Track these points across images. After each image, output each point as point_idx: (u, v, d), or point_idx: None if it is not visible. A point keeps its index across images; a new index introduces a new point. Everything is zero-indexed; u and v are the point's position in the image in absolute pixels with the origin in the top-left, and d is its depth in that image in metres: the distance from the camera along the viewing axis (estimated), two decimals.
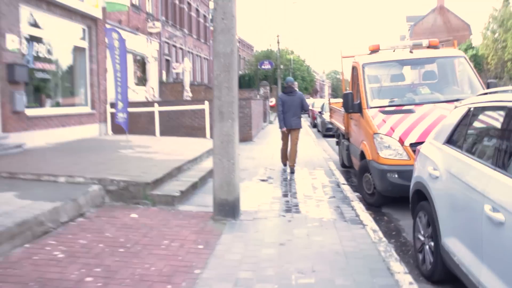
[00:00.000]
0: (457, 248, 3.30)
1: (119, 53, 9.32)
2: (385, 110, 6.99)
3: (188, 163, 8.92)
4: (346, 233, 5.30)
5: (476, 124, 3.66)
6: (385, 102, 7.26)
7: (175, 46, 35.13)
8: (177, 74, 34.62)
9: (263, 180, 8.81)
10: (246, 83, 50.43)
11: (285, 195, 7.46)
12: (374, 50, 8.34)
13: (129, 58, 25.18)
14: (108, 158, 8.67)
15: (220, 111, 5.76)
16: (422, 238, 4.27)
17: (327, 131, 19.03)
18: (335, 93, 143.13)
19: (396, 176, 6.24)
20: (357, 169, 8.42)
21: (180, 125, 17.11)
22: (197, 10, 41.58)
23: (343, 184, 8.33)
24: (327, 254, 4.58)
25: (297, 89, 10.58)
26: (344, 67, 9.72)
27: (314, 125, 24.97)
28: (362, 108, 7.26)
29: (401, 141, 6.29)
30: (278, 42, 44.25)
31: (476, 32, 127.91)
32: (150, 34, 28.44)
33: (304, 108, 9.90)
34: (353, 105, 7.39)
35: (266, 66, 33.24)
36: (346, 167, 10.37)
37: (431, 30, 72.43)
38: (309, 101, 40.01)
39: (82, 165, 7.76)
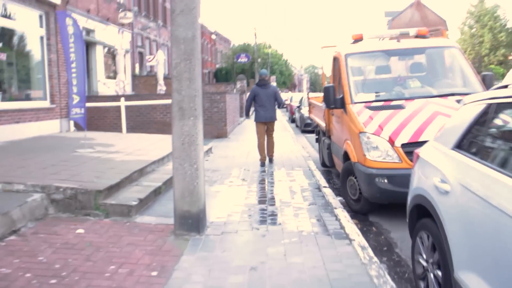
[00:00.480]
0: None
1: (75, 40, 8.31)
2: (372, 105, 6.18)
3: (152, 164, 7.99)
4: (330, 251, 4.47)
5: (502, 125, 2.85)
6: (371, 96, 6.45)
7: (148, 38, 33.92)
8: (151, 67, 33.44)
9: (236, 183, 7.94)
10: (223, 77, 49.42)
11: (261, 202, 6.60)
12: (358, 40, 7.52)
13: (99, 50, 24.00)
14: (61, 159, 7.67)
15: (180, 107, 4.87)
16: (424, 263, 3.47)
17: (305, 127, 18.27)
18: (313, 87, 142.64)
19: (386, 181, 5.45)
20: (340, 171, 7.64)
21: (151, 121, 16.14)
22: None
23: (324, 187, 7.51)
24: (308, 283, 3.74)
25: (271, 82, 10.48)
26: (324, 59, 8.93)
27: (293, 120, 24.21)
28: (346, 103, 6.45)
29: (391, 141, 5.50)
30: (255, 35, 43.34)
31: (452, 27, 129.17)
32: (122, 25, 27.20)
33: (278, 102, 9.80)
34: (335, 100, 6.57)
35: (243, 59, 32.28)
36: (327, 166, 9.58)
37: (408, 25, 72.37)
38: (287, 95, 39.31)
39: (27, 169, 6.76)
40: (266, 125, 9.90)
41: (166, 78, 33.14)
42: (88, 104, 15.24)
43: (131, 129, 16.14)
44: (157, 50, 35.99)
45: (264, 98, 9.59)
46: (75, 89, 8.42)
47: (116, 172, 6.78)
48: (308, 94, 11.95)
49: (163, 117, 16.04)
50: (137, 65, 31.01)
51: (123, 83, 19.70)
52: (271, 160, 10.05)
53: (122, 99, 12.74)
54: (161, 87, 25.97)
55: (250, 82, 43.71)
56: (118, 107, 15.79)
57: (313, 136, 16.68)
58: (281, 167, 9.57)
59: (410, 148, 5.30)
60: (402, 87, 6.71)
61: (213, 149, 12.36)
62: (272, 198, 6.78)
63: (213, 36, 57.86)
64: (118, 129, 16.16)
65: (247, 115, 11.23)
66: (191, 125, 4.90)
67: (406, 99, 6.28)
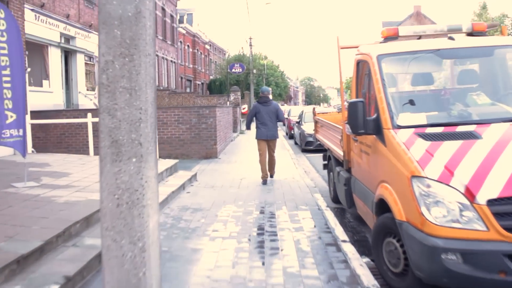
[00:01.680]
0: None
1: (8, 39, 6.19)
2: (427, 132, 4.08)
3: None
4: None
5: None
6: (422, 118, 4.35)
7: None
8: None
9: (223, 234, 5.80)
10: (217, 88, 47.47)
11: (257, 272, 4.47)
12: (390, 37, 5.46)
13: (80, 59, 21.92)
14: None
15: (114, 140, 2.75)
16: None
17: (307, 145, 16.18)
18: (308, 99, 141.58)
19: (460, 260, 3.34)
20: (364, 218, 5.52)
21: None
22: (163, 9, 38.40)
23: (344, 241, 5.40)
24: None
25: (271, 98, 10.15)
26: (344, 64, 6.85)
27: (291, 136, 22.14)
28: (383, 128, 4.37)
29: (470, 195, 3.39)
30: (250, 45, 41.37)
31: None
32: None
33: (279, 119, 9.73)
34: (366, 123, 4.48)
35: (237, 69, 30.29)
36: (339, 202, 7.50)
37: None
38: (285, 108, 37.30)
39: None
40: (267, 142, 9.74)
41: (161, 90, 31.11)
42: (50, 121, 13.24)
43: None
44: None
45: (265, 116, 9.51)
46: (8, 104, 6.27)
47: (46, 225, 4.65)
48: (314, 109, 9.86)
49: None
50: None
51: None
52: (271, 176, 10.07)
53: (89, 114, 10.59)
54: None
55: (245, 94, 41.69)
56: (95, 124, 13.71)
57: (316, 157, 14.63)
58: (282, 204, 7.44)
59: (503, 207, 3.24)
60: (464, 104, 4.61)
61: (198, 175, 10.23)
62: (271, 269, 4.63)
63: (207, 47, 56.01)
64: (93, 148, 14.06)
65: (248, 128, 10.96)
66: (134, 172, 2.76)
67: (478, 123, 4.19)
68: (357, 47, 5.88)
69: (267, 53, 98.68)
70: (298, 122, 17.94)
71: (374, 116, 4.56)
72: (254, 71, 42.87)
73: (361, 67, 5.53)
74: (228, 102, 27.12)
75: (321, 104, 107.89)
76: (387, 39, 5.49)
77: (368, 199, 4.96)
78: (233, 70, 30.51)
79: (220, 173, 10.88)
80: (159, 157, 13.94)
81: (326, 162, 8.93)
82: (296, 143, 19.40)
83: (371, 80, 4.86)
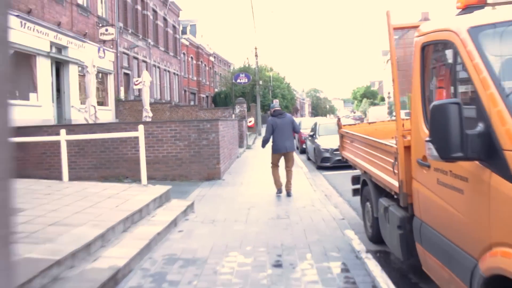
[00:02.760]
0: None
1: None
2: None
3: (55, 267, 3.96)
4: None
5: None
6: None
7: (136, 58, 30.22)
8: (139, 90, 29.68)
9: None
10: (222, 101, 45.70)
11: None
12: (473, 6, 3.55)
13: (73, 70, 20.19)
14: None
15: None
16: None
17: (323, 162, 14.21)
18: (315, 111, 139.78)
19: None
20: (431, 274, 3.57)
21: (120, 158, 12.16)
22: (164, 19, 36.81)
23: None
24: None
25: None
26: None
27: (303, 151, 20.20)
28: (504, 149, 2.46)
29: None
30: (256, 55, 39.63)
31: None
32: (103, 42, 23.53)
33: (295, 130, 9.83)
34: (466, 139, 2.56)
35: (243, 79, 28.46)
36: (380, 242, 5.56)
37: None
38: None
39: None
40: (283, 156, 9.60)
41: (153, 103, 29.35)
42: (24, 139, 11.29)
43: (94, 169, 12.18)
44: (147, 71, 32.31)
45: (282, 127, 9.41)
46: None
47: None
48: (338, 121, 7.91)
49: (136, 153, 12.06)
50: (122, 89, 27.23)
51: (94, 109, 15.77)
52: (289, 194, 9.45)
53: (62, 131, 8.71)
54: (147, 114, 22.12)
55: (251, 107, 39.87)
56: (79, 140, 11.89)
57: (335, 175, 12.67)
58: (306, 248, 5.49)
59: None
60: None
61: (196, 204, 8.31)
62: None
63: (212, 58, 54.47)
64: (77, 169, 12.21)
65: (263, 146, 10.33)
66: None
67: None
68: (416, 26, 3.98)
69: (273, 65, 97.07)
70: (311, 136, 16.01)
71: (481, 128, 2.63)
72: (261, 82, 41.11)
73: (431, 53, 3.62)
74: (233, 115, 25.27)
75: (328, 115, 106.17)
76: (468, 9, 3.56)
77: (457, 264, 3.01)
78: (239, 80, 28.70)
79: (223, 200, 8.95)
80: (152, 179, 12.05)
81: (357, 186, 7.00)
82: (309, 159, 17.44)
83: (468, 68, 2.92)
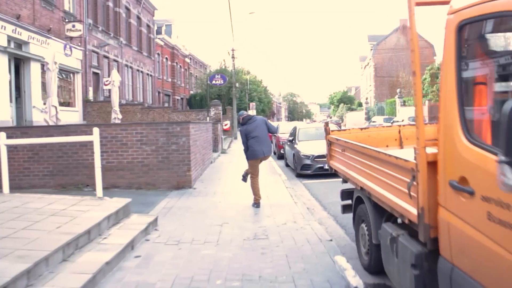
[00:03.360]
0: None
1: None
2: None
3: None
4: None
5: None
6: None
7: (107, 57, 28.80)
8: (109, 91, 28.27)
9: None
10: (198, 103, 44.41)
11: None
12: None
13: (35, 68, 18.75)
14: None
15: None
16: None
17: (303, 169, 13.19)
18: (291, 115, 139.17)
19: None
20: None
21: (79, 164, 10.90)
22: (138, 17, 35.42)
23: None
24: None
25: (255, 114, 9.31)
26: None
27: (280, 156, 19.18)
28: None
29: None
30: (233, 57, 38.57)
31: (439, 51, 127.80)
32: (70, 38, 22.12)
33: (271, 131, 9.08)
34: None
35: (218, 81, 27.25)
36: (380, 272, 4.55)
37: (394, 50, 69.37)
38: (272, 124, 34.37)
39: None
40: (261, 160, 8.89)
41: (124, 104, 27.96)
42: None
43: (50, 176, 10.90)
44: (119, 72, 30.91)
45: (256, 132, 8.63)
46: None
47: None
48: (327, 125, 6.80)
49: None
50: (90, 89, 25.79)
51: (56, 110, 14.41)
52: (257, 205, 8.61)
53: (2, 134, 7.41)
54: (116, 115, 20.85)
55: (227, 110, 38.76)
56: (34, 145, 10.62)
57: (316, 184, 11.66)
58: (290, 282, 4.44)
59: None
60: None
61: (161, 220, 7.19)
62: None
63: (187, 60, 53.17)
64: (31, 177, 10.94)
65: (253, 155, 8.92)
66: None
67: None
68: (447, 2, 2.97)
69: (250, 68, 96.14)
70: (290, 141, 14.98)
71: None
72: (237, 84, 40.03)
73: (474, 33, 2.62)
74: (208, 118, 24.13)
75: (304, 120, 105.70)
76: None
77: None
78: (214, 82, 27.45)
79: (193, 214, 7.84)
80: (116, 187, 10.86)
81: (348, 202, 6.01)
82: (287, 165, 16.43)
83: None
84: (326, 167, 13.16)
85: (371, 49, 72.00)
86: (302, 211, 8.09)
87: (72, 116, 22.88)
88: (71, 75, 23.89)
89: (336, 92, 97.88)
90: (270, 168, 15.20)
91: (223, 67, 45.10)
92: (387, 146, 6.53)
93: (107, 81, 26.52)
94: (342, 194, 6.23)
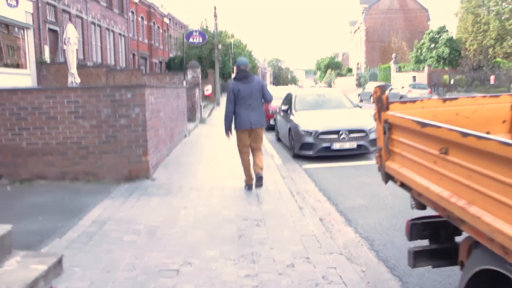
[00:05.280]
0: None
1: None
2: None
3: None
4: None
5: None
6: None
7: (67, 12, 24.94)
8: (65, 50, 24.54)
9: None
10: (177, 66, 40.55)
11: None
12: None
13: None
14: None
15: None
16: None
17: (303, 149, 9.99)
18: (276, 81, 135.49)
19: None
20: None
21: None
22: None
23: None
24: None
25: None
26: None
27: (270, 127, 15.99)
28: None
29: None
30: (215, 16, 34.79)
31: (436, 16, 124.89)
32: None
33: (266, 99, 7.03)
34: None
35: (196, 38, 23.46)
36: None
37: (387, 14, 65.65)
38: None
39: None
40: (250, 133, 6.87)
41: (86, 66, 24.26)
42: None
43: None
44: (83, 30, 27.11)
45: (248, 96, 6.78)
46: None
47: None
48: (381, 91, 3.54)
49: (15, 138, 7.61)
50: (46, 48, 22.06)
51: None
52: (259, 180, 6.68)
53: None
54: (73, 79, 17.35)
55: (208, 74, 35.20)
56: None
57: (321, 171, 8.46)
58: None
59: None
60: None
61: (71, 259, 4.02)
62: None
63: (166, 20, 48.94)
64: None
65: (229, 128, 7.06)
66: None
67: None
68: None
69: (234, 31, 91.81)
70: (285, 111, 11.73)
71: None
72: (220, 46, 36.35)
73: None
74: (184, 82, 20.72)
75: (290, 85, 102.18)
76: None
77: None
78: (191, 39, 23.67)
79: (139, 237, 4.70)
80: (42, 178, 7.67)
81: (425, 245, 2.94)
82: (279, 139, 13.28)
83: None
84: (336, 147, 10.08)
85: (363, 12, 68.19)
86: (314, 228, 4.99)
87: (22, 80, 19.29)
88: (21, 31, 20.14)
89: (323, 57, 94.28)
90: None
91: (205, 27, 41.16)
92: (488, 132, 3.43)
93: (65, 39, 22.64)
94: (415, 227, 3.13)
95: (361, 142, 9.72)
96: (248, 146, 6.94)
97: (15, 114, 7.56)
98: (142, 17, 42.23)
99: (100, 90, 7.57)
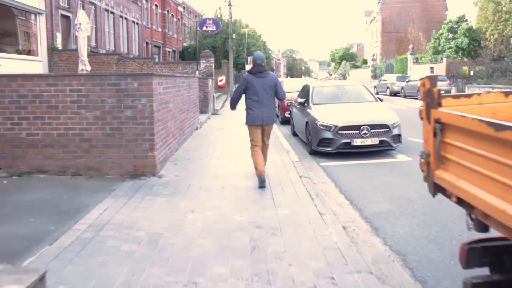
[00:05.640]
0: None
1: None
2: None
3: None
4: None
5: None
6: None
7: None
8: (77, 37, 24.08)
9: None
10: (191, 56, 39.96)
11: None
12: None
13: None
14: None
15: None
16: None
17: (321, 145, 9.34)
18: (290, 72, 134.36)
19: None
20: None
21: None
22: None
23: None
24: None
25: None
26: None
27: (285, 121, 15.38)
28: None
29: None
30: (230, 4, 34.09)
31: (455, 6, 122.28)
32: None
33: (279, 96, 6.96)
34: None
35: (210, 27, 22.82)
36: None
37: (403, 4, 64.31)
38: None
39: None
40: (262, 128, 6.87)
41: (97, 54, 23.76)
42: None
43: None
44: (96, 16, 26.62)
45: (260, 91, 6.71)
46: None
47: None
48: (431, 83, 2.94)
49: (14, 128, 7.11)
50: (58, 35, 21.61)
51: None
52: (262, 182, 6.44)
53: None
54: (84, 66, 16.96)
55: (222, 64, 34.57)
56: None
57: (343, 169, 7.76)
58: None
59: None
60: None
61: (58, 274, 3.47)
62: None
63: (180, 9, 48.29)
64: None
65: (233, 108, 7.34)
66: None
67: None
68: None
69: (248, 21, 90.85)
70: (302, 104, 11.08)
71: None
72: (234, 35, 35.64)
73: None
74: (197, 72, 20.14)
75: (303, 77, 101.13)
76: None
77: None
78: (205, 28, 23.04)
79: (131, 252, 4.13)
80: (43, 172, 7.18)
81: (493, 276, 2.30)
82: (294, 134, 12.65)
83: None
84: (356, 143, 8.96)
85: (379, 2, 66.86)
86: (337, 239, 4.39)
87: (33, 66, 18.87)
88: (33, 17, 19.69)
89: (338, 48, 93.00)
90: (273, 138, 11.44)
91: (219, 15, 40.45)
92: None
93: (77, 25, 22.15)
94: (470, 254, 2.52)
95: (383, 138, 9.05)
96: (260, 141, 6.86)
97: (15, 102, 7.05)
98: (156, 5, 41.63)
99: (105, 78, 7.01)
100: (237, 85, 8.26)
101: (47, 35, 20.12)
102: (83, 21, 17.45)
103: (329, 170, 8.18)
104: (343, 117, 9.29)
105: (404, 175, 7.69)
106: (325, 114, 9.52)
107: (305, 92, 11.60)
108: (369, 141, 8.97)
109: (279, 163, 8.22)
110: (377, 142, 9.02)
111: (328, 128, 9.09)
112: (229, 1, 34.34)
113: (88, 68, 17.23)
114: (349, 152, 9.18)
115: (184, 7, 51.37)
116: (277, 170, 7.56)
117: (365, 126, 8.97)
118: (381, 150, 9.36)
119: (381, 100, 10.95)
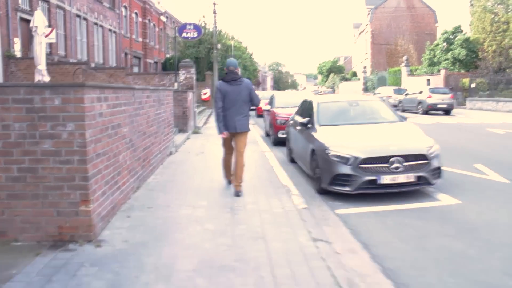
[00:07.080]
0: None
1: None
2: None
3: None
4: None
5: None
6: None
7: (46, 1, 21.94)
8: (51, 45, 21.54)
9: None
10: (173, 67, 37.51)
11: None
12: None
13: None
14: None
15: None
16: None
17: (337, 183, 6.78)
18: (276, 85, 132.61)
19: None
20: None
21: None
22: None
23: None
24: None
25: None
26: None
27: (277, 142, 12.92)
28: None
29: None
30: (214, 13, 31.84)
31: (443, 18, 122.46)
32: None
33: (253, 103, 6.83)
34: None
35: (191, 33, 20.20)
36: None
37: (393, 15, 62.81)
38: (264, 94, 28.50)
39: None
40: (234, 136, 6.79)
41: (59, 63, 21.14)
42: None
43: None
44: (66, 22, 24.04)
45: (234, 99, 6.63)
46: None
47: None
48: None
49: None
50: (16, 40, 18.97)
51: None
52: (237, 194, 6.50)
53: None
54: (41, 77, 14.53)
55: (206, 76, 32.13)
56: None
57: (373, 223, 4.79)
58: None
59: None
60: None
61: None
62: None
63: (163, 18, 45.88)
64: None
65: (221, 132, 6.77)
66: None
67: None
68: None
69: (234, 33, 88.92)
70: (304, 125, 8.58)
71: None
72: (219, 46, 33.26)
73: None
74: (176, 84, 17.63)
75: (290, 90, 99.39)
76: None
77: None
78: (184, 34, 20.31)
79: None
80: None
81: None
82: (292, 161, 10.14)
83: None
84: (385, 181, 5.78)
85: (368, 14, 65.30)
86: None
87: None
88: None
89: (325, 61, 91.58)
90: (266, 167, 8.95)
91: (203, 24, 38.14)
92: None
93: (44, 33, 19.40)
94: None
95: (420, 173, 6.62)
96: (230, 147, 6.85)
97: None
98: (136, 13, 39.17)
99: (8, 92, 4.46)
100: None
101: (2, 41, 17.51)
102: (39, 23, 14.96)
103: (352, 223, 5.69)
104: (364, 144, 6.83)
105: (465, 232, 5.27)
106: (339, 141, 7.05)
107: (306, 109, 9.13)
108: (402, 178, 6.50)
109: (279, 212, 5.73)
110: (412, 180, 6.58)
111: (345, 160, 6.59)
112: (214, 9, 32.10)
113: (47, 79, 14.74)
114: (370, 193, 6.71)
115: (167, 17, 49.01)
116: (279, 229, 5.07)
117: (396, 158, 6.51)
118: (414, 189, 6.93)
119: (405, 119, 8.55)
